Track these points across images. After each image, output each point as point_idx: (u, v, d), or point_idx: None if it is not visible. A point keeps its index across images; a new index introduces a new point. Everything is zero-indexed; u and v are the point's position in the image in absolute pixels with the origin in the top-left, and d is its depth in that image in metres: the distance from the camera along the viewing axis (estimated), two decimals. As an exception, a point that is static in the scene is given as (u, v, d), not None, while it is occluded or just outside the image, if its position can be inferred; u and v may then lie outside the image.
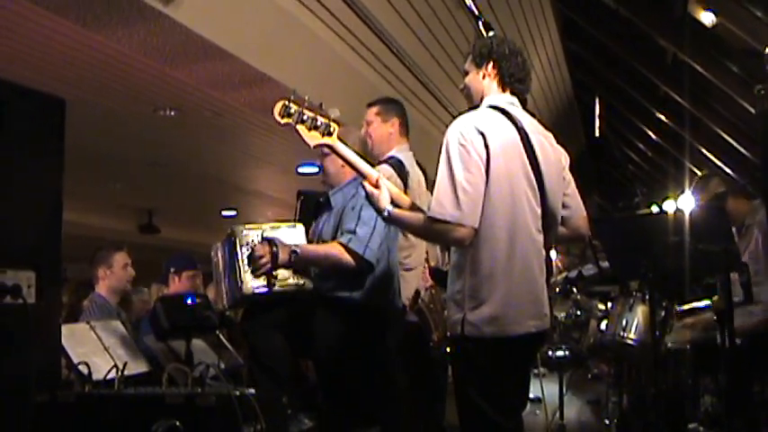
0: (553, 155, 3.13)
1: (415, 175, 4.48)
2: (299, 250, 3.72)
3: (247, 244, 3.74)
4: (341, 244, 3.75)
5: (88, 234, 11.03)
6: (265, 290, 3.70)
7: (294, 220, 4.24)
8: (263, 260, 3.68)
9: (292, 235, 3.85)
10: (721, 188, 4.92)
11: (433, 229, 2.89)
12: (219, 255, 3.93)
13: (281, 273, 3.73)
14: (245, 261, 3.70)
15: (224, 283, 3.87)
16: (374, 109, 4.57)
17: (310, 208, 4.17)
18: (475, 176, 2.84)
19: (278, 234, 3.80)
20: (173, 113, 7.54)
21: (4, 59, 5.91)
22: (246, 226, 3.82)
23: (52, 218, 3.33)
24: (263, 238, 3.76)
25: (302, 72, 6.00)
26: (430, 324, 4.61)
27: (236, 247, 3.74)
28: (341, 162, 3.52)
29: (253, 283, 3.69)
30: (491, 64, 3.12)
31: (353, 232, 3.76)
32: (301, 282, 3.77)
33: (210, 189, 11.47)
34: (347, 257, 3.74)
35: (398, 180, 4.20)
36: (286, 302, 3.80)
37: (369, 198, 3.09)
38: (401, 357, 4.12)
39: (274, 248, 3.69)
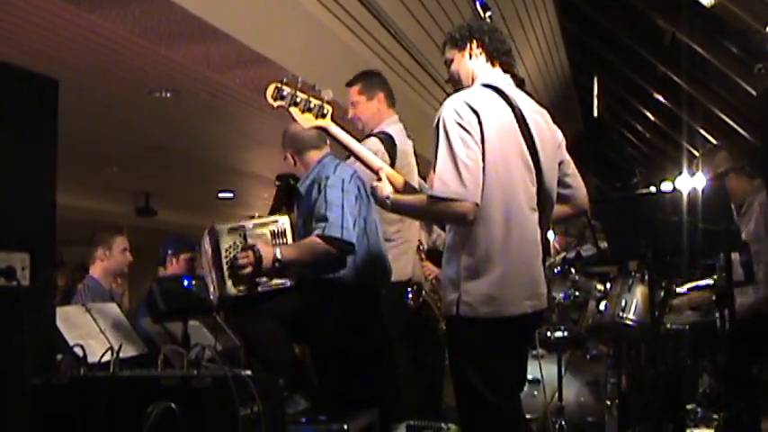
0: (548, 133, 3.11)
1: (404, 146, 4.38)
2: (281, 257, 3.75)
3: (230, 248, 3.80)
4: (318, 236, 3.75)
5: (85, 217, 11.01)
6: (247, 293, 3.79)
7: (275, 210, 4.23)
8: (247, 270, 3.73)
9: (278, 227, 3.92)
10: (724, 166, 4.87)
11: (438, 208, 2.86)
12: (206, 247, 3.96)
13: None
14: (227, 266, 3.77)
15: (211, 274, 3.90)
16: (356, 88, 4.40)
17: (286, 192, 4.18)
18: (474, 153, 2.82)
19: (262, 234, 3.85)
20: (168, 95, 7.48)
21: (-4, 40, 5.86)
22: (229, 227, 3.86)
23: (46, 200, 3.30)
24: (245, 243, 3.80)
25: (298, 52, 5.96)
26: (435, 314, 4.58)
27: (219, 248, 3.80)
28: None
29: (235, 287, 3.78)
30: (474, 43, 3.10)
31: (326, 219, 3.75)
32: (281, 282, 3.84)
33: (207, 171, 11.44)
34: (329, 247, 3.74)
35: (386, 156, 4.12)
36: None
37: (373, 192, 3.08)
38: (400, 339, 4.10)
39: (258, 256, 3.73)
